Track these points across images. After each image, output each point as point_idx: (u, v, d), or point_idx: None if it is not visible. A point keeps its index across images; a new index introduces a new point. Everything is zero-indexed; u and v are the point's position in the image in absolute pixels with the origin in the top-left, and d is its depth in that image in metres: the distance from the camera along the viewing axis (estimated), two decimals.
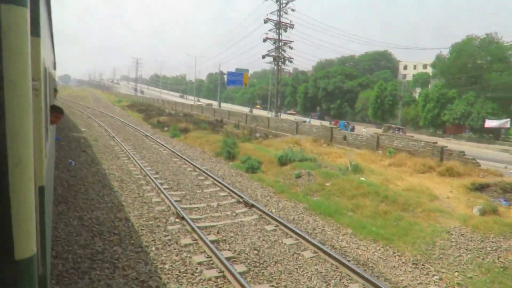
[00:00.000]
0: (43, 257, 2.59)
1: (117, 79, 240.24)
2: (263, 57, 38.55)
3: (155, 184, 11.43)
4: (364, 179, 11.88)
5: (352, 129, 44.27)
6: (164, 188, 11.04)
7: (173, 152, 17.40)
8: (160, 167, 14.35)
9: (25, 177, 1.66)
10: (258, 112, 70.15)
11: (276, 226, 8.40)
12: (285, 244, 7.45)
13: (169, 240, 7.46)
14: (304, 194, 10.69)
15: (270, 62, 39.23)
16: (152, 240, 7.38)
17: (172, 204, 9.51)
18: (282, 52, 37.46)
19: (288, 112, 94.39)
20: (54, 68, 12.94)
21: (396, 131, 52.38)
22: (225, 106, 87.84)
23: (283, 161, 14.01)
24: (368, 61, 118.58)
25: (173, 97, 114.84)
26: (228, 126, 32.25)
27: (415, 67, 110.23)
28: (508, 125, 45.77)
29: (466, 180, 12.03)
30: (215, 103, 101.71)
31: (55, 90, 10.52)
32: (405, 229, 7.71)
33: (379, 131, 57.24)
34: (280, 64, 38.39)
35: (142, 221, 8.41)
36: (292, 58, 38.73)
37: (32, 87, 1.86)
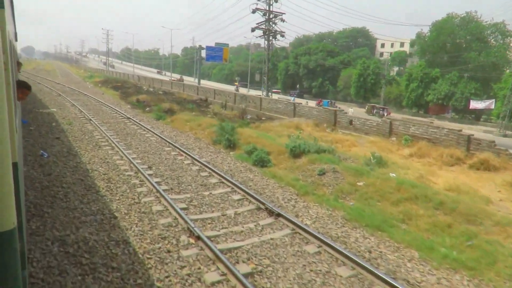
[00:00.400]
0: (20, 233, 2.39)
1: (85, 52, 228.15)
2: (252, 30, 35.80)
3: (151, 184, 9.36)
4: (394, 175, 10.28)
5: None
6: (164, 190, 9.00)
7: (163, 139, 15.18)
8: (152, 159, 12.20)
9: (3, 153, 1.75)
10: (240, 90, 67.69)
11: (319, 246, 6.63)
12: (341, 277, 5.70)
13: (188, 276, 5.54)
14: (335, 197, 8.96)
15: (259, 36, 36.58)
16: (166, 277, 5.44)
17: (179, 215, 7.55)
18: (273, 25, 34.86)
19: (274, 90, 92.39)
20: (16, 39, 11.79)
21: (381, 111, 51.62)
22: (203, 82, 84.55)
23: (296, 153, 12.18)
24: (345, 38, 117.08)
25: (148, 72, 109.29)
26: (215, 106, 29.94)
27: (392, 45, 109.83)
28: (492, 106, 45.78)
29: (507, 176, 10.67)
30: (190, 79, 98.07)
31: (19, 64, 9.41)
32: (486, 252, 6.13)
33: (362, 110, 56.42)
34: (270, 38, 35.85)
35: (146, 243, 6.42)
36: (284, 32, 36.20)
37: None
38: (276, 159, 12.31)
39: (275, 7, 34.14)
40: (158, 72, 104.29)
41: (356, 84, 68.54)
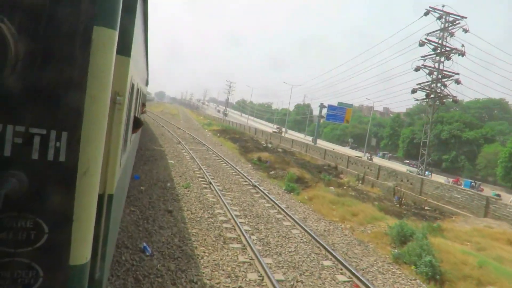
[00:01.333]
0: (102, 261, 2.60)
1: (205, 100, 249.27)
2: (413, 91, 30.09)
3: None
4: None
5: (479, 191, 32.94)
6: None
7: (313, 238, 9.94)
8: None
9: (90, 186, 1.75)
10: (349, 152, 61.01)
11: None
12: None
13: None
14: None
15: (420, 100, 30.41)
16: None
17: None
18: (441, 87, 28.56)
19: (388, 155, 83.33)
20: (146, 84, 13.13)
21: None
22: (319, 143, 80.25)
23: None
24: (479, 108, 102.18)
25: (261, 125, 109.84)
26: (348, 177, 24.26)
27: None
28: None
29: None
30: (299, 135, 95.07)
31: (143, 105, 10.14)
32: None
33: None
34: (436, 103, 29.45)
35: None
36: (456, 97, 29.32)
37: (116, 101, 2.40)
38: None
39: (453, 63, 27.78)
40: (278, 129, 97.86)
41: (506, 165, 55.88)
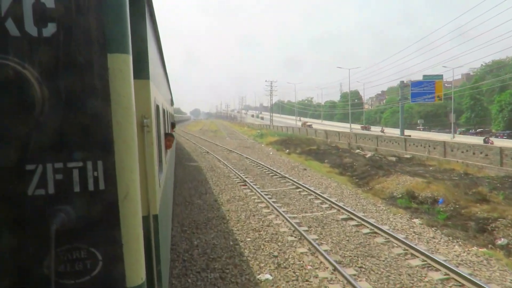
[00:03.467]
0: (159, 281, 2.74)
1: (238, 109, 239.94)
2: None
3: None
4: None
5: None
6: None
7: None
8: None
9: (133, 209, 1.81)
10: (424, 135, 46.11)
11: None
12: None
13: None
14: None
15: None
16: None
17: None
18: None
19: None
20: (172, 104, 14.85)
21: None
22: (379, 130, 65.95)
23: None
24: None
25: (315, 124, 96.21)
26: None
27: None
28: None
29: None
30: (343, 125, 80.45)
31: (173, 125, 10.52)
32: None
33: None
34: None
35: None
36: None
37: (143, 124, 2.61)
38: None
39: None
40: (365, 128, 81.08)
41: None
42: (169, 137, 6.18)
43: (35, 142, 1.67)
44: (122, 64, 1.78)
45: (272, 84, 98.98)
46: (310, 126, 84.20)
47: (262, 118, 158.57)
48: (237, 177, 18.67)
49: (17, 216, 1.66)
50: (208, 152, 30.75)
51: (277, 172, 19.53)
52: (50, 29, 1.67)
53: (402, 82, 43.16)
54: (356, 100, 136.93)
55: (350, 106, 65.47)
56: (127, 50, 1.83)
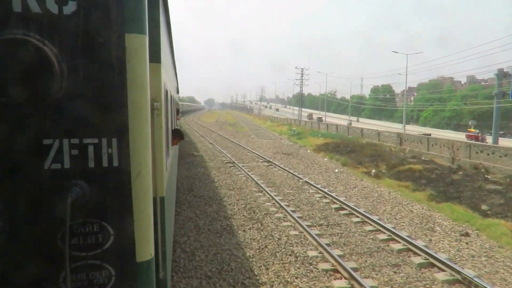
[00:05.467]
0: (164, 261, 2.74)
1: (256, 100, 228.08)
2: None
3: None
4: None
5: None
6: None
7: None
8: None
9: (144, 187, 1.86)
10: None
11: None
12: None
13: None
14: None
15: None
16: None
17: None
18: None
19: None
20: (177, 92, 14.38)
21: None
22: (417, 130, 53.55)
23: None
24: None
25: (337, 119, 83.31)
26: None
27: None
28: None
29: None
30: (380, 124, 67.11)
31: (178, 111, 10.71)
32: None
33: None
34: None
35: None
36: None
37: (153, 107, 2.53)
38: None
39: None
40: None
41: None
42: (177, 136, 5.84)
43: (52, 117, 1.71)
44: (139, 45, 1.79)
45: (304, 72, 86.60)
46: (320, 120, 72.11)
47: (277, 110, 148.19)
48: (325, 261, 7.58)
49: (33, 189, 1.71)
50: (233, 163, 19.56)
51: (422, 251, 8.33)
52: (70, 7, 1.69)
53: (500, 70, 31.05)
54: (387, 95, 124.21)
55: (405, 103, 52.80)
56: (144, 31, 1.83)
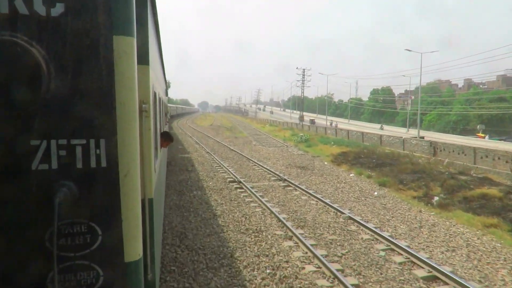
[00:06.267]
0: (152, 263, 2.65)
1: (251, 103, 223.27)
2: None
3: None
4: None
5: None
6: None
7: None
8: None
9: (132, 188, 1.81)
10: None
11: None
12: None
13: None
14: None
15: None
16: None
17: None
18: None
19: None
20: (166, 95, 14.32)
21: None
22: (427, 136, 49.36)
23: None
24: None
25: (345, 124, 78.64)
26: None
27: None
28: None
29: None
30: (387, 128, 60.94)
31: (166, 114, 9.43)
32: None
33: None
34: None
35: None
36: None
37: (142, 109, 2.53)
38: None
39: None
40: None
41: None
42: (166, 138, 5.96)
43: (40, 118, 1.67)
44: (127, 47, 1.76)
45: (305, 73, 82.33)
46: (313, 122, 67.17)
47: (271, 112, 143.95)
48: None
49: (21, 190, 1.66)
50: (239, 182, 15.00)
51: None
52: (58, 9, 1.66)
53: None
54: (382, 98, 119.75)
55: (420, 103, 48.62)
56: (132, 33, 1.80)
